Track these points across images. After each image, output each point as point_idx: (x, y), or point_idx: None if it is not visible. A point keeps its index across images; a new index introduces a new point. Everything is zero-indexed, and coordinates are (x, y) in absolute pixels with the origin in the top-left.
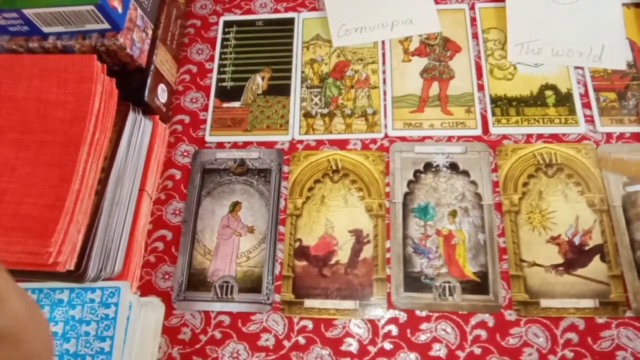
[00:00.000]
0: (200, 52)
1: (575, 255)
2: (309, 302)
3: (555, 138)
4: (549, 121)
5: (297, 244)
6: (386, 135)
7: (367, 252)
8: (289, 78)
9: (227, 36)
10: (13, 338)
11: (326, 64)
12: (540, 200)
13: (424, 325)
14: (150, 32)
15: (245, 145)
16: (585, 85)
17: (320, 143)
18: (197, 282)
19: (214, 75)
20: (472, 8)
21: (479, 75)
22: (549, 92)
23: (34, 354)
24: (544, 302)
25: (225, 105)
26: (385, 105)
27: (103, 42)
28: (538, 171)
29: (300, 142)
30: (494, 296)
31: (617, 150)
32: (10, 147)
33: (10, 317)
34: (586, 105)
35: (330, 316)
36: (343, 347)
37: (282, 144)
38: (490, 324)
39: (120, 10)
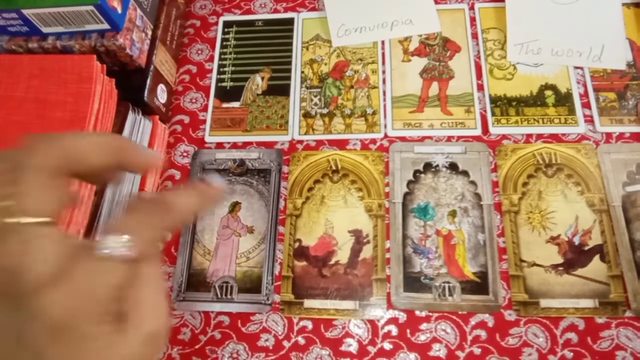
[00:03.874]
0: (199, 52)
1: (575, 255)
2: (308, 303)
3: (555, 138)
4: (549, 121)
5: (297, 244)
6: (386, 135)
7: (366, 252)
8: (289, 78)
9: (226, 36)
10: None
11: (326, 64)
12: (540, 200)
13: (423, 326)
14: (149, 32)
15: (245, 145)
16: (584, 85)
17: (320, 143)
18: (196, 282)
19: (214, 75)
20: (471, 8)
21: (479, 75)
22: (548, 92)
23: None
24: (544, 302)
25: (224, 105)
26: (384, 106)
27: (102, 43)
28: (538, 171)
29: (300, 142)
30: (493, 296)
31: (617, 150)
32: (10, 148)
33: None
34: (586, 105)
35: (330, 316)
36: (343, 348)
37: (282, 144)
38: (490, 324)
39: (119, 10)
